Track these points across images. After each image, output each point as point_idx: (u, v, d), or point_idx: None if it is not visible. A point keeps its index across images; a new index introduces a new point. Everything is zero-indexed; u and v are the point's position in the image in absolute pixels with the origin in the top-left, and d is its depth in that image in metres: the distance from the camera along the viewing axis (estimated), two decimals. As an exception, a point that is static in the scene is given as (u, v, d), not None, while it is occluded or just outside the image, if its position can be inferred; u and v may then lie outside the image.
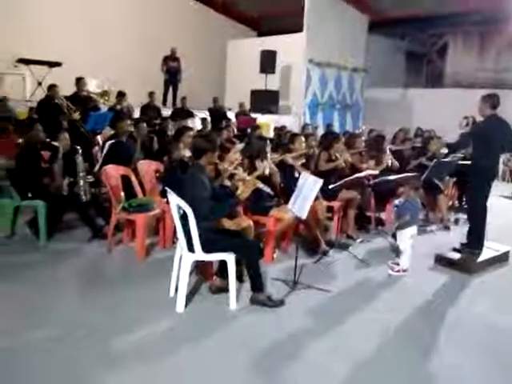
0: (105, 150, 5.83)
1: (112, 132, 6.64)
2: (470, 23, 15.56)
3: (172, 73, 12.29)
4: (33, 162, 5.16)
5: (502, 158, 10.04)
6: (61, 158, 5.36)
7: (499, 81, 15.24)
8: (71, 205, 5.39)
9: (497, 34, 15.09)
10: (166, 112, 10.55)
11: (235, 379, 2.88)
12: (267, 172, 4.68)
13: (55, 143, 5.40)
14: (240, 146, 4.95)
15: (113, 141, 5.93)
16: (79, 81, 7.95)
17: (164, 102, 12.17)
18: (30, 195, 5.12)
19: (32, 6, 11.42)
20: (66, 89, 7.95)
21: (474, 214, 5.34)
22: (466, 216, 6.03)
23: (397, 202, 5.12)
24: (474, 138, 5.30)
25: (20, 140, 6.32)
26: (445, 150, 7.12)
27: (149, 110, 9.98)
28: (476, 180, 5.18)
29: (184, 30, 14.18)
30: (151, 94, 10.37)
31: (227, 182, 4.47)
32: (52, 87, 7.43)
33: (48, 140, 5.44)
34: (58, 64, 9.99)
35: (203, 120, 9.47)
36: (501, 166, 10.50)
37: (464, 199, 7.99)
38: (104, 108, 8.40)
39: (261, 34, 16.44)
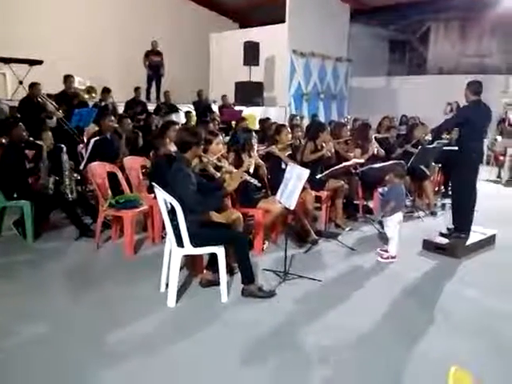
0: (90, 148, 5.78)
1: (96, 129, 6.59)
2: (452, 9, 15.62)
3: (155, 67, 12.18)
4: (17, 161, 5.11)
5: (486, 142, 10.13)
6: (46, 156, 5.31)
7: (482, 66, 15.34)
8: (57, 204, 5.35)
9: (478, 19, 15.18)
10: (151, 107, 10.48)
11: (229, 371, 2.89)
12: (252, 170, 4.67)
13: (39, 142, 5.34)
14: (221, 137, 4.93)
15: (97, 138, 5.88)
16: (67, 78, 7.85)
17: (148, 97, 12.08)
18: (15, 195, 5.07)
19: (11, 4, 11.23)
20: (48, 87, 7.84)
21: (460, 198, 5.39)
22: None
23: (381, 189, 5.15)
24: (459, 122, 5.34)
25: (3, 140, 6.24)
26: (429, 137, 7.17)
27: (134, 105, 9.90)
28: (463, 163, 5.22)
29: (165, 24, 14.04)
30: (137, 89, 10.29)
31: (215, 173, 4.46)
32: (33, 85, 7.32)
33: (31, 139, 5.38)
34: (38, 62, 9.83)
35: (187, 113, 9.42)
36: (485, 151, 10.60)
37: (450, 184, 8.07)
38: (90, 103, 8.33)
39: (243, 26, 16.35)
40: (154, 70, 12.19)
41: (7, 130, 5.38)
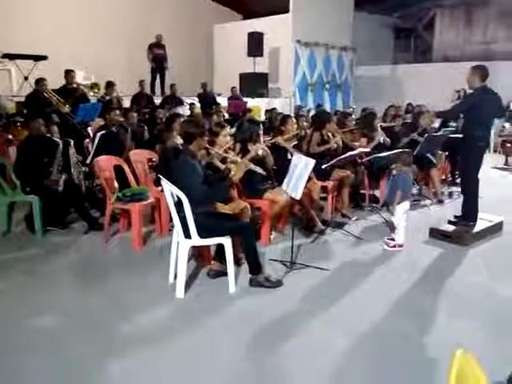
0: (96, 142, 5.80)
1: (102, 123, 6.61)
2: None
3: (158, 60, 12.16)
4: (34, 155, 5.11)
5: (494, 129, 10.04)
6: (60, 154, 5.32)
7: (488, 52, 15.20)
8: (67, 201, 5.33)
9: (483, 5, 15.02)
10: (156, 100, 10.49)
11: (237, 360, 2.92)
12: (260, 153, 4.68)
13: (55, 138, 5.37)
14: (229, 129, 4.94)
15: (103, 131, 5.91)
16: (68, 73, 7.87)
17: (152, 90, 12.07)
18: (27, 189, 5.09)
19: (14, 2, 11.26)
20: (53, 82, 7.87)
21: (467, 186, 5.37)
22: (459, 189, 6.06)
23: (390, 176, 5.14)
24: (466, 109, 5.28)
25: (10, 136, 6.29)
26: (436, 124, 7.12)
27: (141, 98, 9.92)
28: (469, 151, 5.20)
29: (168, 17, 14.03)
30: (141, 83, 10.29)
31: (221, 166, 4.47)
32: (39, 81, 7.35)
33: (49, 135, 5.41)
34: (43, 57, 9.86)
35: (191, 105, 9.44)
36: (492, 138, 10.53)
37: (457, 172, 8.04)
38: (93, 99, 8.34)
39: (247, 17, 16.26)
40: (158, 63, 12.17)
41: (24, 126, 5.39)
